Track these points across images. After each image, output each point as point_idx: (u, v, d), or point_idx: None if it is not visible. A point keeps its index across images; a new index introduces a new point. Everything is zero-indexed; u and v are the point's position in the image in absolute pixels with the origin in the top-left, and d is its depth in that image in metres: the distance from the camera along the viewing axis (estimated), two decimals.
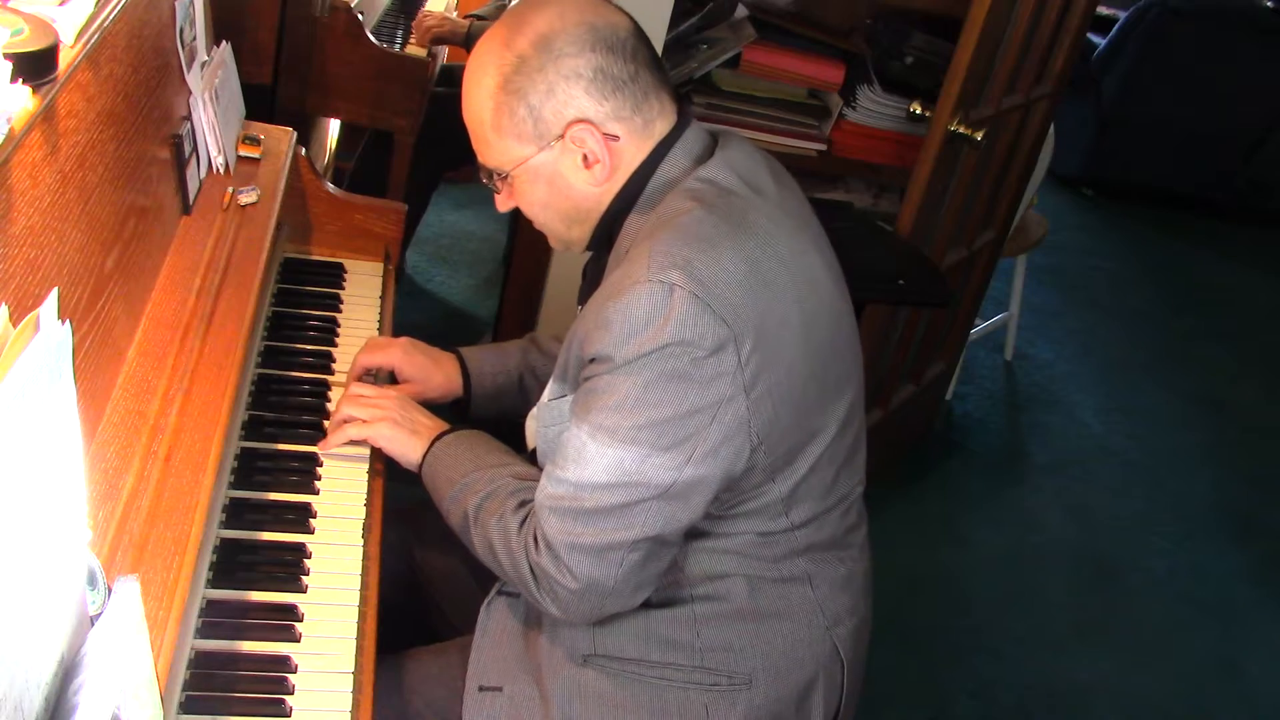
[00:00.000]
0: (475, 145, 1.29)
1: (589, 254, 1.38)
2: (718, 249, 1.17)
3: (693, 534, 1.27)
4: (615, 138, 1.23)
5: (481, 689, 1.32)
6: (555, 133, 1.23)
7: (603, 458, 1.17)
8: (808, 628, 1.32)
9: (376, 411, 1.44)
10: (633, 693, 1.29)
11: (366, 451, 1.49)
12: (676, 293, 1.13)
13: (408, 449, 1.41)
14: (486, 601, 1.39)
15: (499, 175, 1.28)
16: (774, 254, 1.21)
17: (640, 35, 1.25)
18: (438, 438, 1.40)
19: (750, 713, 1.29)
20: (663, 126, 1.26)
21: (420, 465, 1.40)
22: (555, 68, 1.20)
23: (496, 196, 1.32)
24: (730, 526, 1.28)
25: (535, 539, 1.22)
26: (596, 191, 1.27)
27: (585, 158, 1.24)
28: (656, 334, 1.13)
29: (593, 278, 1.35)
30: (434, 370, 1.56)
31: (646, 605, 1.29)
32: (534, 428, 1.39)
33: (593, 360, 1.19)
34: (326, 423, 1.52)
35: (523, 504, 1.27)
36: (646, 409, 1.15)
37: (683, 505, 1.19)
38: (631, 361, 1.15)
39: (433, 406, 1.51)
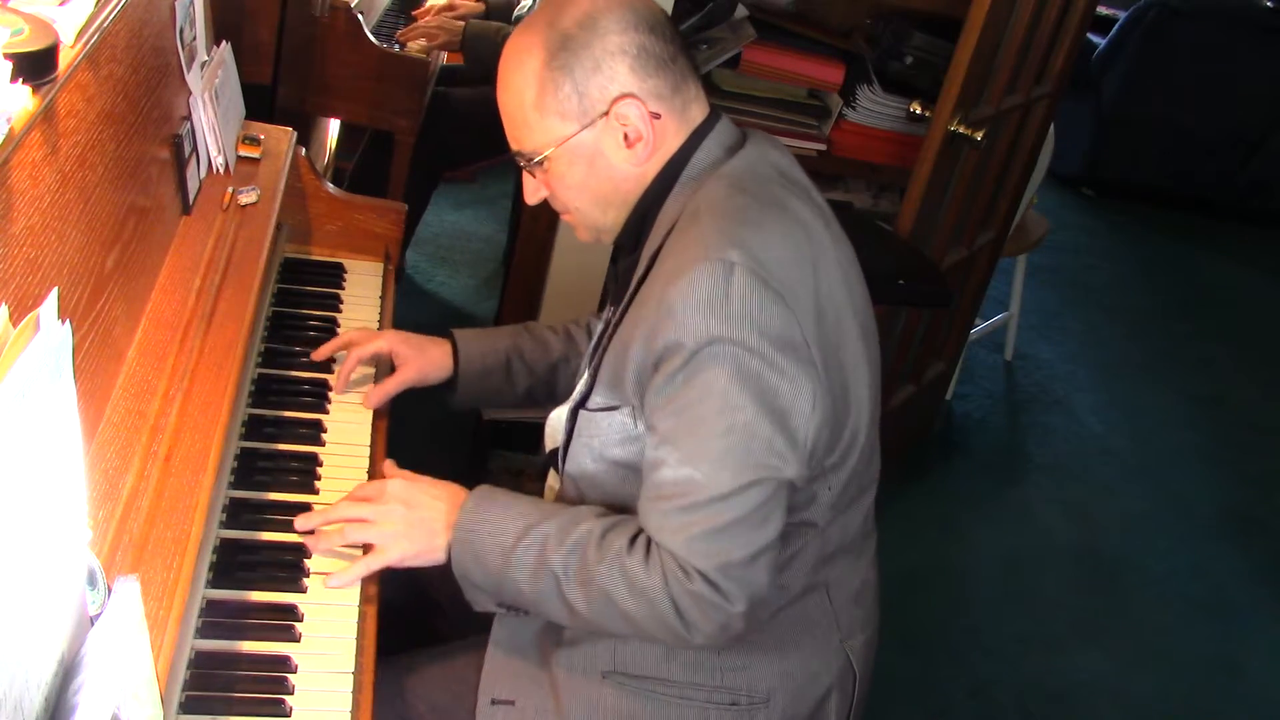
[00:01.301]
0: (512, 131, 1.28)
1: (604, 255, 1.38)
2: (766, 230, 1.19)
3: None
4: (658, 116, 1.24)
5: (494, 702, 1.31)
6: (600, 110, 1.23)
7: (725, 466, 1.14)
8: (824, 641, 1.33)
9: (385, 529, 1.27)
10: (651, 711, 1.28)
11: (366, 451, 1.49)
12: (737, 270, 1.14)
13: (431, 554, 1.27)
14: (499, 615, 1.36)
15: (536, 160, 1.27)
16: (814, 239, 1.25)
17: (675, 26, 1.27)
18: (458, 517, 1.26)
19: None
20: (698, 113, 1.28)
21: (448, 557, 1.27)
22: (601, 44, 1.21)
23: (527, 186, 1.32)
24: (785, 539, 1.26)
25: (683, 571, 1.16)
26: (636, 172, 1.26)
27: (626, 136, 1.24)
28: (723, 314, 1.13)
29: (624, 275, 1.33)
30: (429, 345, 1.56)
31: None
32: (555, 427, 1.38)
33: (663, 355, 1.17)
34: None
35: (634, 540, 1.19)
36: (744, 402, 1.14)
37: (796, 486, 1.19)
38: (702, 349, 1.14)
39: (423, 391, 1.51)
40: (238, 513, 1.35)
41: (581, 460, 1.30)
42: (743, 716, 1.29)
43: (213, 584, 1.25)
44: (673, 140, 1.26)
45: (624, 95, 1.22)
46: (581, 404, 1.30)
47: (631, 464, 1.26)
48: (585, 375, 1.33)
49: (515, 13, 3.00)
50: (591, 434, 1.28)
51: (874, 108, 2.92)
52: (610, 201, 1.29)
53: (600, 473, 1.29)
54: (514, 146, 1.29)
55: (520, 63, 1.24)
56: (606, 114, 1.23)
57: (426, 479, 1.32)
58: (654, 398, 1.19)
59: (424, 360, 1.55)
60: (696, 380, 1.15)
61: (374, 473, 1.46)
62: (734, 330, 1.13)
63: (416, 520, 1.27)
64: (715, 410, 1.14)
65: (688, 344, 1.14)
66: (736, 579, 1.15)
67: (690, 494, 1.15)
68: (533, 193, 1.32)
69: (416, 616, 1.61)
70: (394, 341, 1.57)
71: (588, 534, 1.21)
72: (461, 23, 2.84)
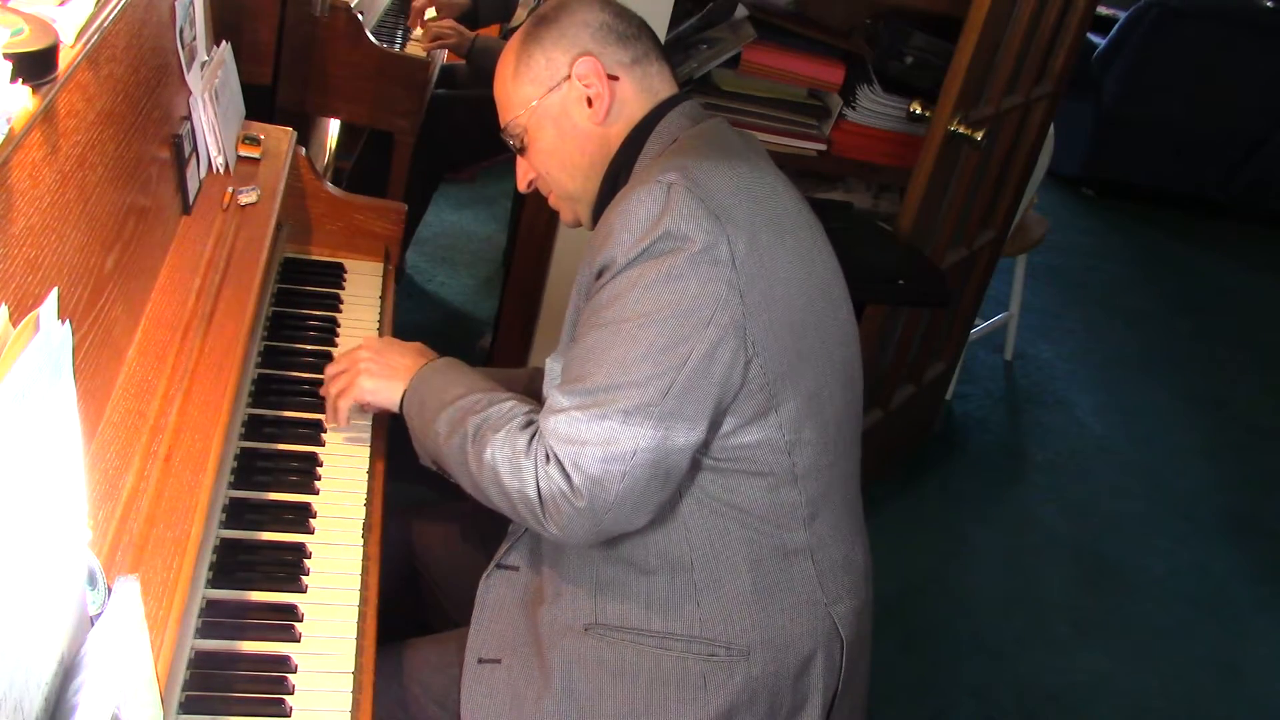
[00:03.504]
0: (500, 110, 1.41)
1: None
2: (713, 162, 1.27)
3: (701, 489, 1.28)
4: (615, 78, 1.36)
5: (481, 661, 1.34)
6: (563, 73, 1.36)
7: (605, 363, 1.19)
8: (808, 603, 1.33)
9: (355, 369, 1.43)
10: (632, 661, 1.30)
11: (366, 450, 1.49)
12: (673, 189, 1.22)
13: (390, 392, 1.40)
14: (485, 574, 1.40)
15: (517, 132, 1.39)
16: (768, 185, 1.32)
17: (646, 24, 1.42)
18: (419, 371, 1.40)
19: (748, 684, 1.30)
20: (663, 88, 1.39)
21: (401, 401, 1.39)
22: (569, 19, 1.37)
23: (518, 171, 1.43)
24: (738, 482, 1.28)
25: (546, 455, 1.21)
26: (598, 132, 1.36)
27: (590, 100, 1.35)
28: (654, 227, 1.20)
29: None
30: None
31: (648, 572, 1.30)
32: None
33: (601, 272, 1.24)
34: (324, 418, 1.52)
35: (530, 423, 1.26)
36: (647, 307, 1.19)
37: (680, 414, 1.20)
38: (632, 261, 1.20)
39: None
40: (238, 513, 1.35)
41: None
42: (721, 669, 1.30)
43: (213, 584, 1.25)
44: (634, 107, 1.37)
45: (583, 54, 1.35)
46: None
47: None
48: None
49: (510, 25, 3.02)
50: (551, 379, 1.31)
51: (874, 108, 2.91)
52: (578, 165, 1.38)
53: None
54: (501, 124, 1.41)
55: (507, 49, 1.41)
56: (569, 76, 1.35)
57: (399, 342, 1.48)
58: (587, 307, 1.26)
59: None
60: (619, 284, 1.22)
61: (374, 473, 1.47)
62: (660, 238, 1.20)
63: (383, 364, 1.43)
64: (615, 309, 1.21)
65: (620, 260, 1.21)
66: (586, 475, 1.18)
67: (572, 382, 1.21)
68: (522, 176, 1.44)
69: (413, 611, 1.62)
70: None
71: (501, 409, 1.28)
72: (472, 33, 2.86)
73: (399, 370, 1.41)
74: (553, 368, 1.30)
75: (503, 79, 1.40)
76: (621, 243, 1.21)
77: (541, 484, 1.21)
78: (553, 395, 1.23)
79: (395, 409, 1.41)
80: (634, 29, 1.38)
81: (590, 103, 1.35)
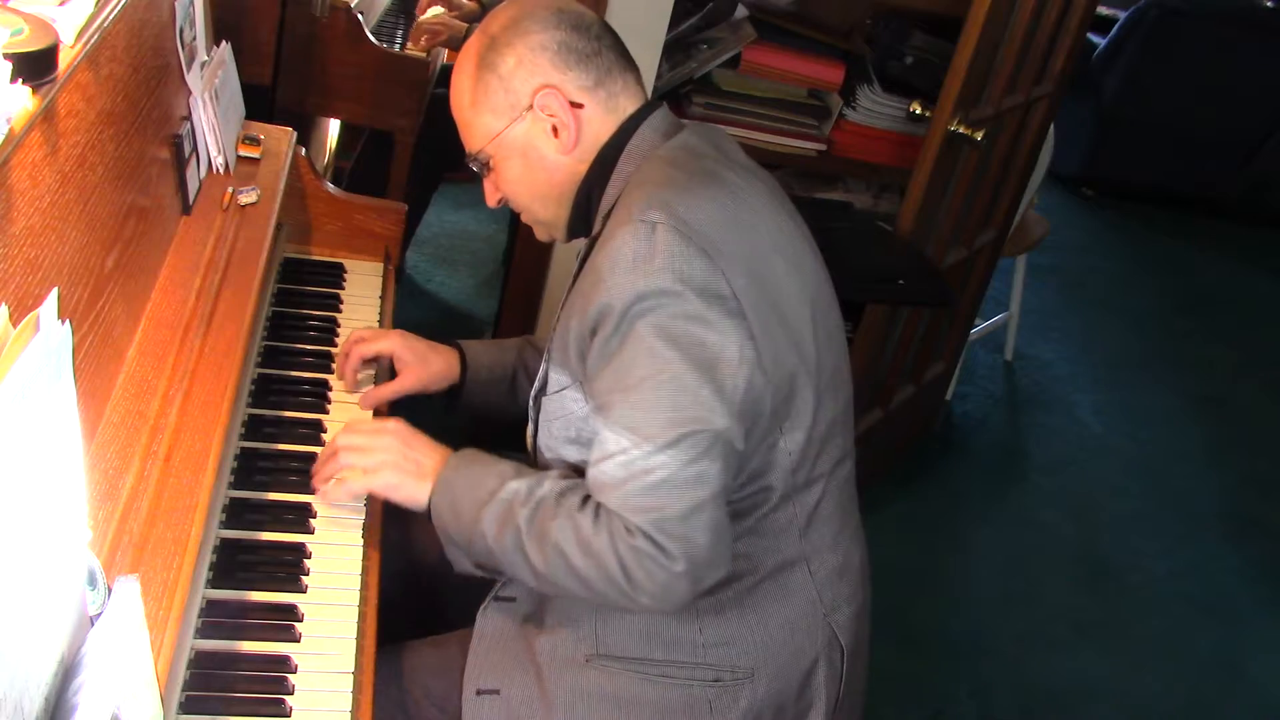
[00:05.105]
0: (461, 134, 1.36)
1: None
2: (693, 194, 1.23)
3: None
4: (580, 106, 1.30)
5: (479, 693, 1.32)
6: (524, 103, 1.30)
7: (654, 425, 1.16)
8: (806, 615, 1.33)
9: (377, 457, 1.33)
10: (636, 692, 1.29)
11: None
12: (659, 229, 1.18)
13: (415, 492, 1.32)
14: (482, 608, 1.38)
15: (481, 159, 1.35)
16: (748, 204, 1.28)
17: (607, 27, 1.35)
18: (442, 470, 1.32)
19: (753, 705, 1.30)
20: (629, 104, 1.33)
21: (429, 503, 1.31)
22: (523, 42, 1.30)
23: (485, 188, 1.39)
24: (742, 505, 1.28)
25: (626, 528, 1.17)
26: (566, 162, 1.32)
27: (555, 129, 1.30)
28: (646, 270, 1.17)
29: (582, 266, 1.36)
30: (432, 355, 1.56)
31: None
32: (532, 417, 1.39)
33: (597, 321, 1.20)
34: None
35: (586, 499, 1.22)
36: (670, 356, 1.16)
37: (733, 444, 1.19)
38: (630, 308, 1.17)
39: (427, 399, 1.51)
40: (238, 513, 1.35)
41: (551, 446, 1.33)
42: (727, 693, 1.29)
43: (213, 584, 1.25)
44: (601, 130, 1.32)
45: (543, 86, 1.29)
46: (542, 390, 1.33)
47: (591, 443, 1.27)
48: (544, 361, 1.35)
49: None
50: (552, 417, 1.30)
51: (874, 108, 2.91)
52: (548, 195, 1.35)
53: (569, 457, 1.31)
54: (466, 150, 1.36)
55: (460, 69, 1.34)
56: (530, 107, 1.30)
57: (423, 436, 1.38)
58: (592, 363, 1.23)
59: (425, 370, 1.55)
60: (626, 339, 1.18)
61: None
62: (656, 283, 1.17)
63: (409, 458, 1.33)
64: (642, 365, 1.17)
65: (616, 306, 1.18)
66: (674, 535, 1.16)
67: (624, 451, 1.18)
68: (490, 195, 1.39)
69: (414, 612, 1.62)
70: (399, 345, 1.56)
71: (549, 492, 1.24)
72: (464, 24, 2.85)
73: (425, 470, 1.32)
74: (550, 404, 1.29)
75: (459, 106, 1.34)
76: (614, 288, 1.18)
77: (625, 558, 1.17)
78: (605, 469, 1.19)
79: (419, 509, 1.32)
80: (594, 43, 1.31)
81: (555, 131, 1.30)
